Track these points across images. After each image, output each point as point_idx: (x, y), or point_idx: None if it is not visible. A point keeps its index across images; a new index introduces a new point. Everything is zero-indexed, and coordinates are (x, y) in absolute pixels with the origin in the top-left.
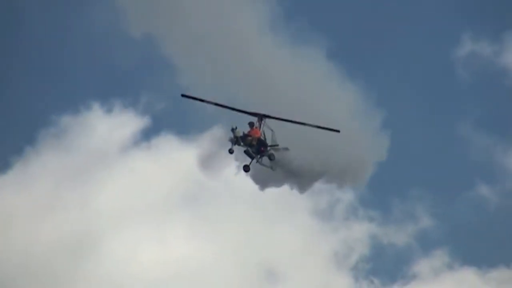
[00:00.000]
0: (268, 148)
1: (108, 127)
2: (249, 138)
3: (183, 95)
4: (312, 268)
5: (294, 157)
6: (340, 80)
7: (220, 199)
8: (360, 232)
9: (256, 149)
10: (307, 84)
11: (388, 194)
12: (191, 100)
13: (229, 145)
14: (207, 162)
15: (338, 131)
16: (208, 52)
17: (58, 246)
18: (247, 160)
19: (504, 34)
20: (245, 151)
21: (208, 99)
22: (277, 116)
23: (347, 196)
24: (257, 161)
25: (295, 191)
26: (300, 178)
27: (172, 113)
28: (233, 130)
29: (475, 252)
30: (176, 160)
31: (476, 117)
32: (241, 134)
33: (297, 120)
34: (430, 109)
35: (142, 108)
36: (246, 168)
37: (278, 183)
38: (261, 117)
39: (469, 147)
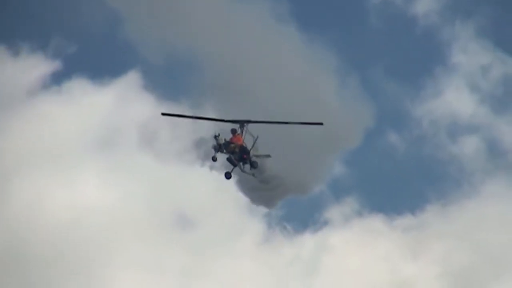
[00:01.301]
0: (251, 155)
1: (15, 70)
2: (232, 145)
3: (163, 114)
4: (225, 214)
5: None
6: None
7: (133, 145)
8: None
9: (239, 156)
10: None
11: None
12: (105, 44)
13: (212, 153)
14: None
15: (321, 123)
16: None
17: None
18: (229, 167)
19: None
20: (227, 158)
21: (189, 114)
22: (259, 119)
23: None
24: (241, 169)
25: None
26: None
27: (85, 57)
28: (215, 137)
29: (383, 199)
30: (89, 105)
31: (387, 65)
32: (223, 141)
33: (279, 120)
34: (341, 55)
35: (52, 51)
36: (227, 175)
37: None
38: (243, 123)
39: (379, 94)
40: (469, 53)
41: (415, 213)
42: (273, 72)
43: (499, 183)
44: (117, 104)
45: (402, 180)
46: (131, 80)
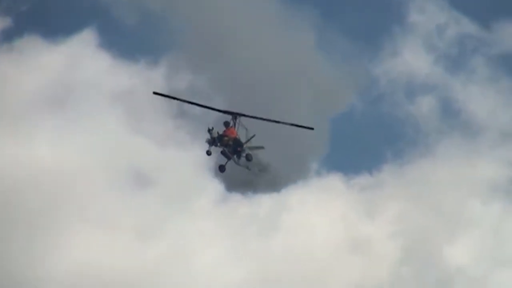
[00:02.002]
0: (244, 147)
1: None
2: (226, 138)
3: (154, 93)
4: (182, 172)
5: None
6: None
7: (88, 104)
8: None
9: (233, 149)
10: None
11: None
12: (58, 1)
13: (207, 147)
14: None
15: (312, 128)
16: None
17: None
18: (223, 160)
19: None
20: (221, 152)
21: (181, 97)
22: (252, 114)
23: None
24: (235, 162)
25: None
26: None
27: (38, 14)
28: (209, 130)
29: (341, 159)
30: (42, 63)
31: (344, 25)
32: (217, 134)
33: (272, 118)
34: (297, 14)
35: (2, 8)
36: (221, 169)
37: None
38: (236, 115)
39: (336, 54)
40: (426, 13)
41: (372, 172)
42: (243, 33)
43: (454, 142)
44: (71, 63)
45: (360, 140)
46: (86, 38)
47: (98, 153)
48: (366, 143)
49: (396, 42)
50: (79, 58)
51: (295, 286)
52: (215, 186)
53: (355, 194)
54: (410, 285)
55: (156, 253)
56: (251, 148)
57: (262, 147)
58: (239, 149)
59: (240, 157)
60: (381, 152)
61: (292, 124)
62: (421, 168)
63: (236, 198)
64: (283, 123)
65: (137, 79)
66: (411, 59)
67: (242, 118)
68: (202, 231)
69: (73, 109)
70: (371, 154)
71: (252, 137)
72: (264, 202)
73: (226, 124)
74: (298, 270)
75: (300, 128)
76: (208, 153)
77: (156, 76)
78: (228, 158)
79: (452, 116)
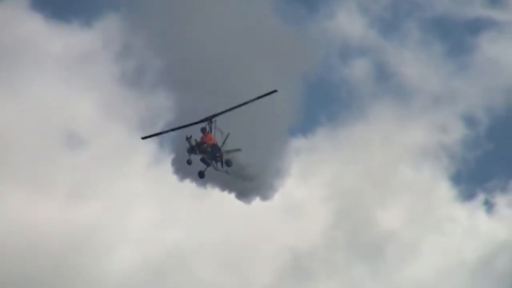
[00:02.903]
0: (222, 151)
1: None
2: (204, 145)
3: (143, 138)
4: (116, 133)
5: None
6: None
7: (20, 66)
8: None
9: (212, 155)
10: None
11: None
12: None
13: (187, 156)
14: None
15: (275, 91)
16: None
17: None
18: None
19: None
20: (201, 159)
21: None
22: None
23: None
24: (214, 168)
25: None
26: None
27: None
28: (188, 139)
29: None
30: None
31: None
32: (195, 142)
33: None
34: None
35: None
36: (201, 175)
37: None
38: (210, 119)
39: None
40: None
41: (307, 135)
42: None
43: (387, 106)
44: (3, 24)
45: None
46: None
47: (31, 115)
48: (301, 105)
49: (331, 5)
50: (11, 20)
51: (228, 250)
52: (149, 148)
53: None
54: (342, 248)
55: (88, 213)
56: (228, 151)
57: (239, 149)
58: (217, 154)
59: (218, 163)
60: (316, 115)
61: (257, 98)
62: (354, 132)
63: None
64: (249, 102)
65: (71, 40)
66: (345, 22)
67: (217, 121)
68: (135, 193)
69: (4, 71)
70: (306, 117)
71: (227, 136)
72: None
73: (203, 130)
74: (236, 233)
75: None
76: (189, 162)
77: (90, 38)
78: (208, 165)
79: (385, 80)
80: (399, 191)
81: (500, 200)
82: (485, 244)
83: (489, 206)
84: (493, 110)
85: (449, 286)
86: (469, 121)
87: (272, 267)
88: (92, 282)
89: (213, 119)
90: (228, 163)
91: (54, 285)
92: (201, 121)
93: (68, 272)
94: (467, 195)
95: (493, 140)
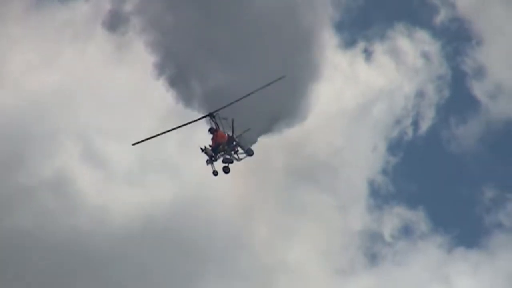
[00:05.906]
0: (237, 140)
1: None
2: (220, 146)
3: (133, 144)
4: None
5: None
6: None
7: None
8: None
9: (230, 149)
10: None
11: None
12: None
13: (210, 168)
14: None
15: (284, 76)
16: None
17: None
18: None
19: None
20: (223, 161)
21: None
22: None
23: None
24: (237, 160)
25: None
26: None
27: None
28: (203, 150)
29: None
30: None
31: None
32: (210, 150)
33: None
34: None
35: None
36: (226, 170)
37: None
38: (212, 115)
39: None
40: None
41: None
42: None
43: None
44: None
45: None
46: None
47: None
48: None
49: None
50: None
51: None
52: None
53: None
54: None
55: None
56: (239, 136)
57: (248, 129)
58: (234, 144)
59: (238, 153)
60: None
61: (265, 86)
62: None
63: (52, 4)
64: (256, 91)
65: None
66: None
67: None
68: (13, 36)
69: None
70: None
71: (233, 122)
72: (80, 8)
73: (211, 130)
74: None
75: None
76: (215, 173)
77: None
78: (231, 162)
79: None
80: None
81: (378, 48)
82: (364, 91)
83: (368, 54)
84: None
85: (329, 132)
86: None
87: (158, 113)
88: None
89: (214, 113)
90: (249, 152)
91: None
92: (202, 118)
93: None
94: (349, 43)
95: None
